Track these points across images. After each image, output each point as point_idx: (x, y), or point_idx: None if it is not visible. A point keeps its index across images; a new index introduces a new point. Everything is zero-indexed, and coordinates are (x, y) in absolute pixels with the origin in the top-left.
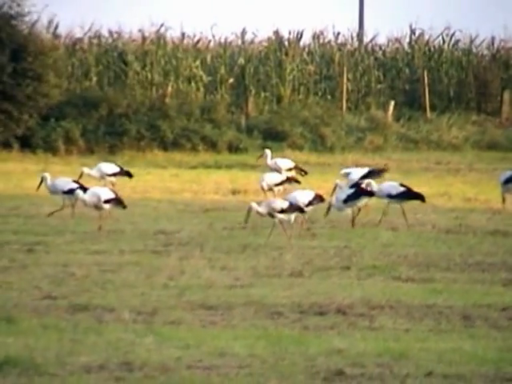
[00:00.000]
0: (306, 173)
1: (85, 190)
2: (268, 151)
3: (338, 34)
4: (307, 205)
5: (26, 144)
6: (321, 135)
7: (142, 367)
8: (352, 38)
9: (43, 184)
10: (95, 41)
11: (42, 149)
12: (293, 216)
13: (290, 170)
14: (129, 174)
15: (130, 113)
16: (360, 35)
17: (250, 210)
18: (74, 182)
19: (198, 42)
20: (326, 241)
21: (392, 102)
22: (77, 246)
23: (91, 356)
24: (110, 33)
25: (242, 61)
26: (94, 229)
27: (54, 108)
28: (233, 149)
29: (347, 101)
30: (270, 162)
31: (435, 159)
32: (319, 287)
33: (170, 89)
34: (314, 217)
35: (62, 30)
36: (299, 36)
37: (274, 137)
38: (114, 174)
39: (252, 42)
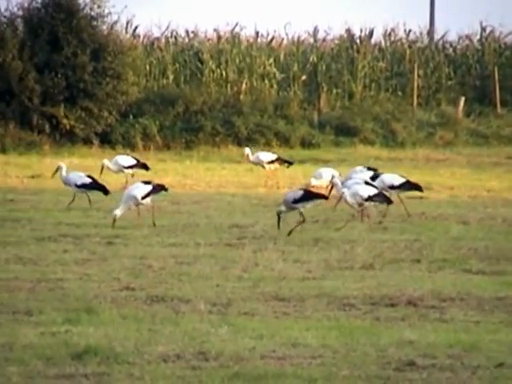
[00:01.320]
0: (290, 163)
1: (98, 184)
2: (247, 149)
3: (409, 31)
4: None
5: (106, 140)
6: (392, 130)
7: (217, 357)
8: (423, 36)
9: (58, 174)
10: (172, 40)
11: (121, 145)
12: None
13: (272, 162)
14: (145, 167)
15: (205, 109)
16: (431, 32)
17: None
18: (88, 176)
19: (272, 40)
20: (397, 234)
21: (462, 98)
22: (154, 239)
23: (168, 346)
24: (187, 32)
25: (314, 58)
26: (170, 223)
27: (132, 105)
28: (305, 144)
29: (418, 97)
30: (252, 158)
31: (506, 154)
32: (390, 279)
33: (244, 86)
34: (387, 210)
35: (141, 30)
36: (370, 33)
37: (345, 132)
38: (131, 167)
39: (324, 39)
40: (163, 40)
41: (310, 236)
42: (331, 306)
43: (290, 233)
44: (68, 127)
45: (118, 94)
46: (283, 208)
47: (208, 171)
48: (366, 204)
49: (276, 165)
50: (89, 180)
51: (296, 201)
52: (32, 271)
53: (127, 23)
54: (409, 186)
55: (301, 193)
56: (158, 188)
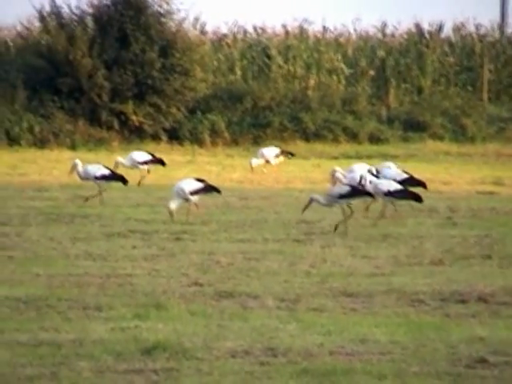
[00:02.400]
0: (292, 155)
1: (116, 175)
2: (253, 160)
3: (479, 25)
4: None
5: (174, 136)
6: (462, 125)
7: (285, 353)
8: (493, 30)
9: (74, 170)
10: (240, 36)
11: (189, 141)
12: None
13: (277, 156)
14: (162, 162)
15: (273, 105)
16: (502, 27)
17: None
18: (106, 167)
19: (340, 35)
20: (467, 229)
21: None
22: (222, 235)
23: (237, 341)
24: (254, 28)
25: (382, 53)
26: (238, 218)
27: (200, 101)
28: (374, 140)
29: (488, 91)
30: (259, 160)
31: None
32: (460, 275)
33: (311, 81)
34: (456, 206)
35: (209, 27)
36: (440, 28)
37: (414, 127)
38: (146, 162)
39: (393, 35)
40: (231, 36)
41: (378, 232)
42: (400, 302)
43: (336, 228)
44: (137, 123)
45: (186, 91)
46: (322, 200)
47: (275, 167)
48: (387, 199)
49: (281, 158)
50: (107, 171)
51: (342, 196)
52: (102, 267)
53: (195, 20)
54: (410, 181)
55: (347, 188)
56: (210, 188)
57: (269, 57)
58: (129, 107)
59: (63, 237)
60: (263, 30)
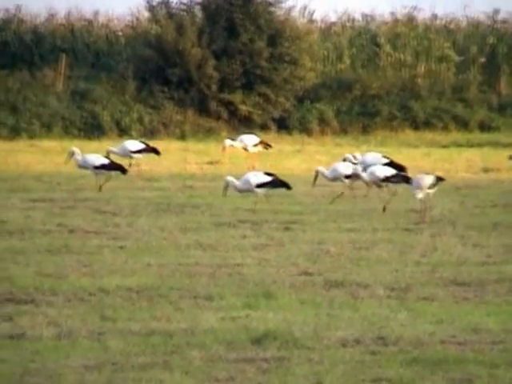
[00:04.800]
0: (270, 146)
1: (115, 164)
2: (226, 140)
3: None
4: None
5: (283, 126)
6: None
7: (396, 342)
8: None
9: (72, 159)
10: (349, 24)
11: (298, 130)
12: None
13: (255, 145)
14: (156, 151)
15: (382, 94)
16: None
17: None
18: (105, 157)
19: (449, 22)
20: None
21: None
22: (331, 225)
23: (347, 330)
24: (363, 16)
25: (493, 40)
26: (347, 208)
27: (309, 90)
28: (485, 128)
29: None
30: (236, 143)
31: None
32: None
33: (421, 69)
34: None
35: (317, 15)
36: None
37: None
38: (139, 151)
39: (504, 21)
40: (340, 24)
41: (489, 220)
42: None
43: (422, 220)
44: (245, 113)
45: (294, 80)
46: (419, 194)
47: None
48: (383, 185)
49: (259, 148)
50: (107, 161)
51: (432, 185)
52: (212, 256)
53: (304, 8)
54: (392, 166)
55: (433, 177)
56: (279, 182)
57: (378, 45)
58: (237, 97)
59: (174, 227)
60: (372, 17)
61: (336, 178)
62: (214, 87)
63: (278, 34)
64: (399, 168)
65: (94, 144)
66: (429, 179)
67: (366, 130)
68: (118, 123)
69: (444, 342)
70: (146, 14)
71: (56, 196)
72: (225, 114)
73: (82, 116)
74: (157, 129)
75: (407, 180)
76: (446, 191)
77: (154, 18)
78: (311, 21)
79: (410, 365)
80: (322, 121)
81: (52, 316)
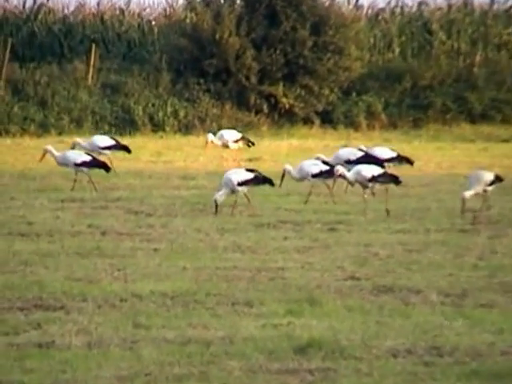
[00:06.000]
0: (253, 144)
1: (98, 161)
2: (209, 135)
3: None
4: None
5: (327, 120)
6: None
7: (451, 352)
8: None
9: (49, 156)
10: (398, 10)
11: (343, 124)
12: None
13: (236, 141)
14: (126, 149)
15: (434, 84)
16: None
17: None
18: (88, 154)
19: (509, 7)
20: None
21: None
22: (379, 225)
23: (398, 339)
24: (414, 1)
25: None
26: (397, 207)
27: (355, 81)
28: None
29: None
30: (215, 139)
31: None
32: None
33: (478, 58)
34: None
35: (364, 1)
36: None
37: None
38: (108, 148)
39: None
40: (388, 11)
41: None
42: None
43: (475, 221)
44: (287, 106)
45: (339, 70)
46: (473, 191)
47: (438, 151)
48: (370, 185)
49: (240, 144)
50: (89, 157)
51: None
52: (251, 259)
53: None
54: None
55: (493, 175)
56: (261, 179)
57: (430, 32)
58: (279, 89)
59: (210, 228)
60: (424, 2)
61: (303, 178)
62: (254, 79)
63: (321, 22)
64: (407, 161)
65: (126, 140)
66: (488, 176)
67: (417, 124)
68: (151, 118)
69: (505, 353)
70: (181, 2)
71: (86, 196)
72: (265, 108)
73: (113, 110)
74: (192, 123)
75: (396, 180)
76: (505, 189)
77: (190, 6)
78: (357, 7)
79: (467, 378)
80: (370, 114)
81: (82, 323)
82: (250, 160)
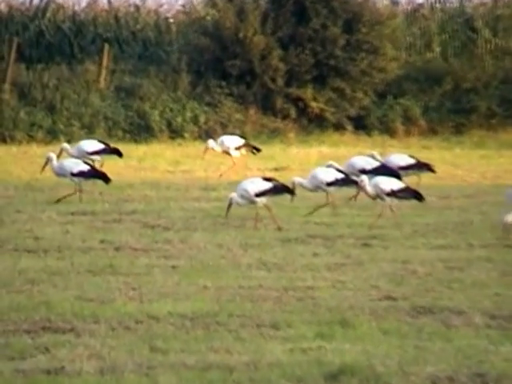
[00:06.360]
0: (258, 150)
1: (97, 172)
2: (210, 141)
3: None
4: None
5: (360, 125)
6: None
7: (498, 380)
8: None
9: (48, 165)
10: (438, 6)
11: (378, 130)
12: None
13: (238, 148)
14: (118, 153)
15: (478, 87)
16: None
17: None
18: (85, 163)
19: None
20: None
21: None
22: (418, 240)
23: (438, 365)
24: None
25: None
26: (438, 220)
27: (391, 84)
28: None
29: None
30: (216, 146)
31: None
32: None
33: None
34: None
35: None
36: None
37: None
38: (97, 153)
39: None
40: (428, 6)
41: None
42: None
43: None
44: (317, 111)
45: (374, 72)
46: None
47: (482, 159)
48: (388, 200)
49: (243, 151)
50: (87, 167)
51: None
52: (278, 278)
53: None
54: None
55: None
56: (281, 188)
57: (473, 29)
58: (308, 92)
59: (233, 243)
60: None
61: (316, 187)
62: (280, 81)
63: (354, 19)
64: (428, 169)
65: (142, 148)
66: None
67: (459, 130)
68: (169, 124)
69: None
70: None
71: (98, 208)
72: (293, 113)
73: (127, 116)
74: (213, 129)
75: (418, 196)
76: None
77: (211, 2)
78: (394, 2)
79: None
80: (407, 119)
81: (94, 347)
82: (276, 169)
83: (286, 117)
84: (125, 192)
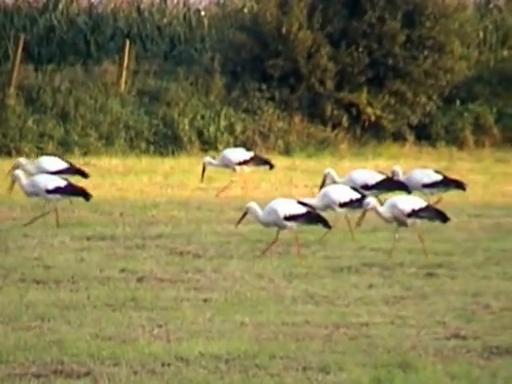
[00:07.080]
0: (271, 166)
1: (76, 188)
2: (206, 158)
3: None
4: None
5: (424, 135)
6: None
7: None
8: None
9: (16, 184)
10: None
11: (444, 141)
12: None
13: (244, 163)
14: (82, 173)
15: None
16: None
17: None
18: (63, 179)
19: None
20: None
21: None
22: (492, 269)
23: None
24: None
25: None
26: None
27: (459, 87)
28: None
29: None
30: (213, 161)
31: None
32: None
33: None
34: None
35: None
36: None
37: None
38: (59, 172)
39: None
40: None
41: None
42: None
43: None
44: (373, 119)
45: (440, 72)
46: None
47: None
48: (409, 221)
49: (251, 166)
50: (63, 182)
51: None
52: (327, 313)
53: None
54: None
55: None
56: (315, 218)
57: None
58: (362, 97)
59: (275, 273)
60: None
61: (327, 206)
62: (330, 84)
63: (416, 11)
64: (458, 186)
65: (169, 162)
66: None
67: None
68: (200, 133)
69: None
70: None
71: (118, 232)
72: (344, 120)
73: (152, 124)
74: (252, 140)
75: (443, 216)
76: None
77: None
78: None
79: None
80: (479, 128)
81: None
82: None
83: (336, 125)
84: (149, 213)
